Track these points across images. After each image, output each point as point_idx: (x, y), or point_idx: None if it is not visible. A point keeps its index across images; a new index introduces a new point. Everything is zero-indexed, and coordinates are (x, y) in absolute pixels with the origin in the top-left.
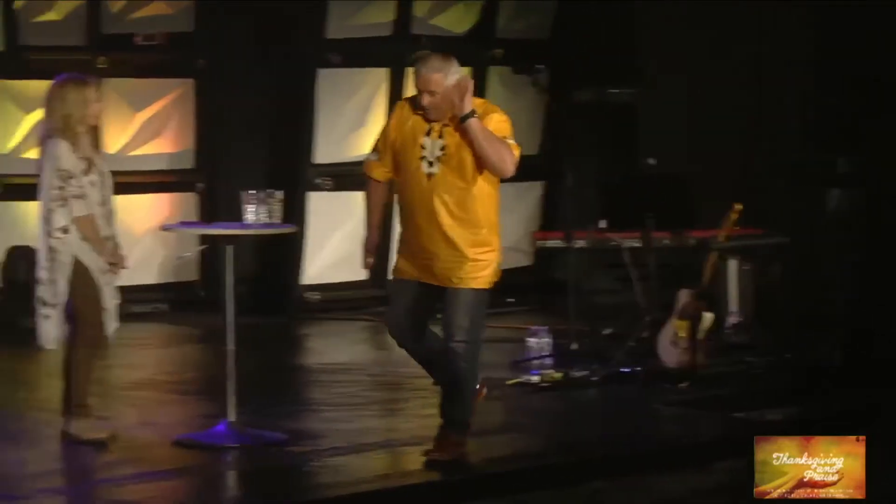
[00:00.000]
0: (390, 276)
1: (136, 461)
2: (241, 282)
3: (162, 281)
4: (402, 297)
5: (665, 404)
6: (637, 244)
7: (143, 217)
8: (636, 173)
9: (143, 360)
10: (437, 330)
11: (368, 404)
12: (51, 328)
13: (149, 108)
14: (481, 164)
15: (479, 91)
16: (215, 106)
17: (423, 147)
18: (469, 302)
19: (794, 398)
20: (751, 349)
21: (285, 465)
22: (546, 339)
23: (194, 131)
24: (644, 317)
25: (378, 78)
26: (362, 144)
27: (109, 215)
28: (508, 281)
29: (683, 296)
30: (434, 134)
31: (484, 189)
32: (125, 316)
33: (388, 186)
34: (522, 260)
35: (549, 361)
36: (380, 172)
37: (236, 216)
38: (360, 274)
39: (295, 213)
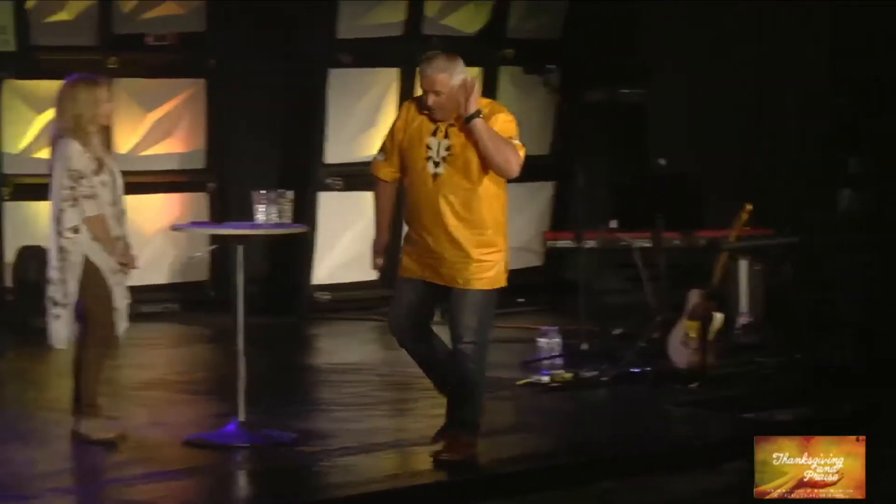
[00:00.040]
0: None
1: (146, 461)
2: (251, 282)
3: (172, 281)
4: (405, 296)
5: (675, 405)
6: (647, 244)
7: (153, 217)
8: (647, 173)
9: (153, 360)
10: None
11: (378, 404)
12: (61, 328)
13: (160, 108)
14: (486, 165)
15: (490, 91)
16: (226, 106)
17: (428, 147)
18: (476, 303)
19: (804, 399)
20: (761, 350)
21: (295, 465)
22: (556, 340)
23: (205, 131)
24: (654, 317)
25: (389, 78)
26: (373, 144)
27: (120, 215)
28: (519, 281)
29: (694, 296)
30: (440, 134)
31: (490, 189)
32: (135, 316)
33: (397, 186)
34: (533, 260)
35: (559, 361)
36: (387, 173)
37: (247, 216)
38: (371, 274)
39: (305, 213)
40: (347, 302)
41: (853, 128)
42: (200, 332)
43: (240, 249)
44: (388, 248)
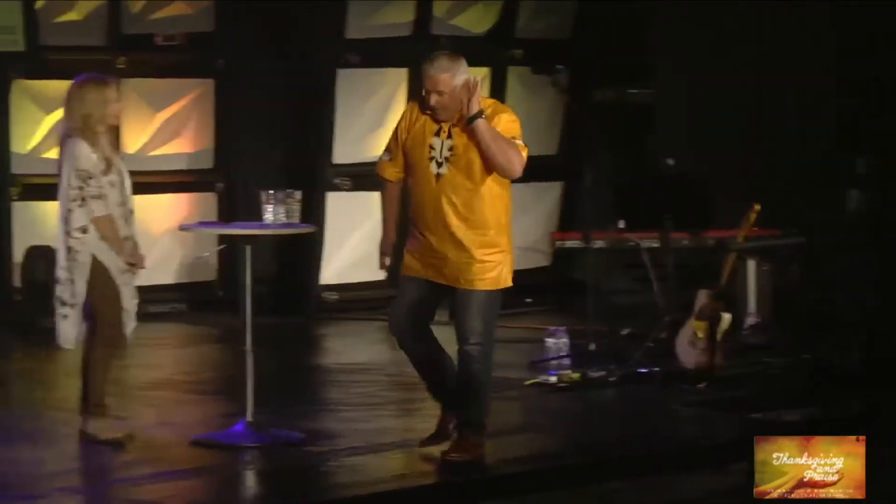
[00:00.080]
0: None
1: (154, 461)
2: (259, 282)
3: (180, 281)
4: (407, 294)
5: (683, 405)
6: (655, 244)
7: (161, 217)
8: (655, 174)
9: (161, 360)
10: (440, 332)
11: (386, 404)
12: (69, 328)
13: (168, 108)
14: (489, 166)
15: (499, 91)
16: (234, 106)
17: (432, 147)
18: (481, 303)
19: (811, 399)
20: (769, 350)
21: (303, 465)
22: (564, 340)
23: (213, 131)
24: (662, 317)
25: (397, 78)
26: (381, 145)
27: (128, 215)
28: (527, 281)
29: (702, 296)
30: (443, 134)
31: (493, 190)
32: (143, 316)
33: (402, 187)
34: (541, 260)
35: (566, 362)
36: (392, 173)
37: (255, 216)
38: (379, 274)
39: (313, 213)
40: (355, 302)
41: (860, 128)
42: (208, 332)
43: (248, 249)
44: (395, 248)
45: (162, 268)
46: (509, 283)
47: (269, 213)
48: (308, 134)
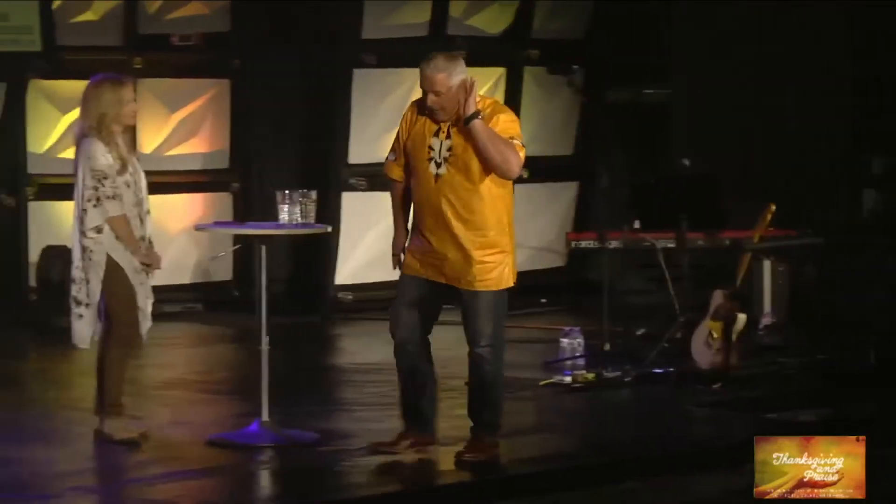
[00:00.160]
0: None
1: (169, 460)
2: (274, 282)
3: (196, 281)
4: (406, 293)
5: (698, 405)
6: (671, 244)
7: (177, 217)
8: (670, 173)
9: (175, 360)
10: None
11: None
12: (84, 327)
13: (184, 108)
14: (486, 166)
15: (515, 91)
16: (250, 106)
17: (431, 148)
18: (488, 305)
19: (823, 400)
20: (784, 350)
21: (317, 465)
22: (579, 340)
23: (229, 131)
24: (677, 317)
25: (413, 78)
26: None
27: (144, 215)
28: (542, 281)
29: (717, 297)
30: (442, 135)
31: (492, 190)
32: (158, 315)
33: (408, 187)
34: (556, 260)
35: (581, 362)
36: (398, 173)
37: (270, 216)
38: (393, 274)
39: (329, 213)
40: (370, 302)
41: (876, 128)
42: (223, 332)
43: (263, 249)
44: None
45: (177, 268)
46: (511, 283)
47: (285, 213)
48: (323, 134)
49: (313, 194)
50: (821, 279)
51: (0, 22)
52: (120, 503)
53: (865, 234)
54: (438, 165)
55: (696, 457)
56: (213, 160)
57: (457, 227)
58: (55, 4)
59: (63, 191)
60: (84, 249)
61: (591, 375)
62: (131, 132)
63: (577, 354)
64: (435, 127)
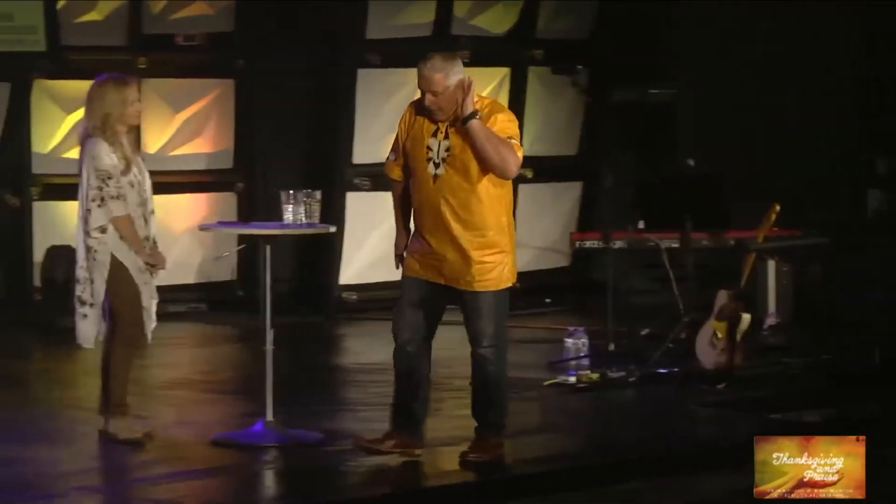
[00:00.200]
0: None
1: (173, 460)
2: (278, 282)
3: (200, 281)
4: (407, 295)
5: (702, 405)
6: (675, 245)
7: (181, 217)
8: (675, 174)
9: (180, 360)
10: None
11: None
12: (88, 327)
13: (188, 108)
14: (484, 166)
15: (519, 91)
16: (254, 106)
17: (429, 148)
18: (489, 306)
19: (830, 400)
20: (788, 350)
21: (322, 465)
22: (583, 340)
23: (233, 131)
24: (682, 318)
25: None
26: None
27: (149, 215)
28: (546, 281)
29: (721, 297)
30: (440, 135)
31: (490, 191)
32: (163, 315)
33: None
34: (560, 260)
35: (586, 362)
36: (398, 173)
37: (275, 216)
38: (397, 274)
39: (333, 213)
40: (374, 302)
41: (881, 128)
42: (228, 332)
43: (268, 249)
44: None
45: (182, 267)
46: (511, 283)
47: (289, 213)
48: (328, 134)
49: (317, 194)
50: (825, 279)
51: (5, 22)
52: (124, 503)
53: (870, 235)
54: (437, 166)
55: (701, 457)
56: (218, 160)
57: (455, 227)
58: (60, 4)
59: (67, 191)
60: (88, 249)
61: (595, 375)
62: (134, 132)
63: (582, 354)
64: (433, 127)
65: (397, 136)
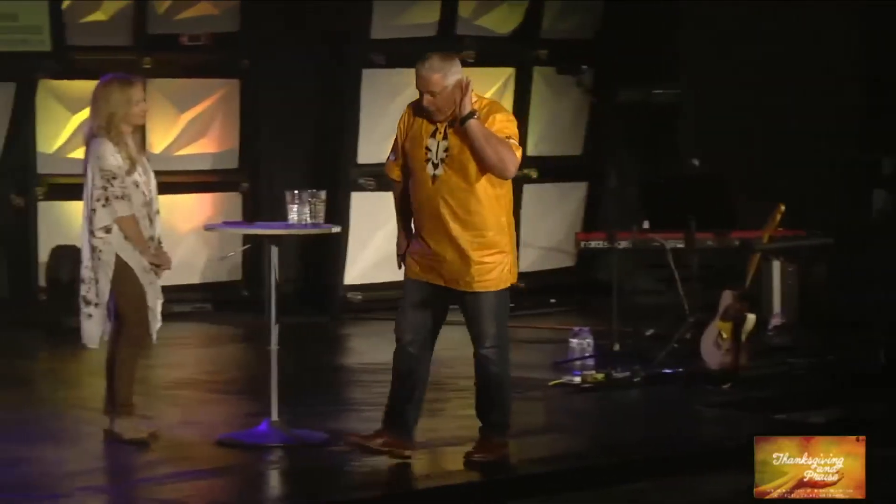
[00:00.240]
0: None
1: (178, 460)
2: (283, 282)
3: (205, 281)
4: (409, 297)
5: (707, 405)
6: (680, 245)
7: (186, 217)
8: (680, 174)
9: (185, 360)
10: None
11: None
12: (93, 327)
13: (193, 108)
14: (482, 166)
15: (524, 91)
16: (259, 106)
17: (428, 149)
18: (490, 306)
19: (835, 400)
20: (793, 351)
21: (326, 465)
22: (588, 340)
23: (238, 131)
24: (687, 318)
25: None
26: None
27: (154, 215)
28: (551, 281)
29: (726, 297)
30: (439, 135)
31: (489, 191)
32: (168, 315)
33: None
34: (565, 260)
35: (590, 362)
36: (398, 173)
37: (280, 216)
38: (402, 274)
39: (338, 213)
40: (379, 302)
41: (885, 128)
42: (233, 332)
43: (273, 249)
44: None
45: (187, 267)
46: (511, 282)
47: (294, 213)
48: (333, 134)
49: (322, 194)
50: (830, 279)
51: (10, 22)
52: (129, 503)
53: (875, 235)
54: (435, 166)
55: (706, 457)
56: (223, 160)
57: (454, 228)
58: (65, 4)
59: (73, 191)
60: (93, 249)
61: (600, 376)
62: (139, 132)
63: (587, 355)
64: (432, 128)
65: (397, 136)
